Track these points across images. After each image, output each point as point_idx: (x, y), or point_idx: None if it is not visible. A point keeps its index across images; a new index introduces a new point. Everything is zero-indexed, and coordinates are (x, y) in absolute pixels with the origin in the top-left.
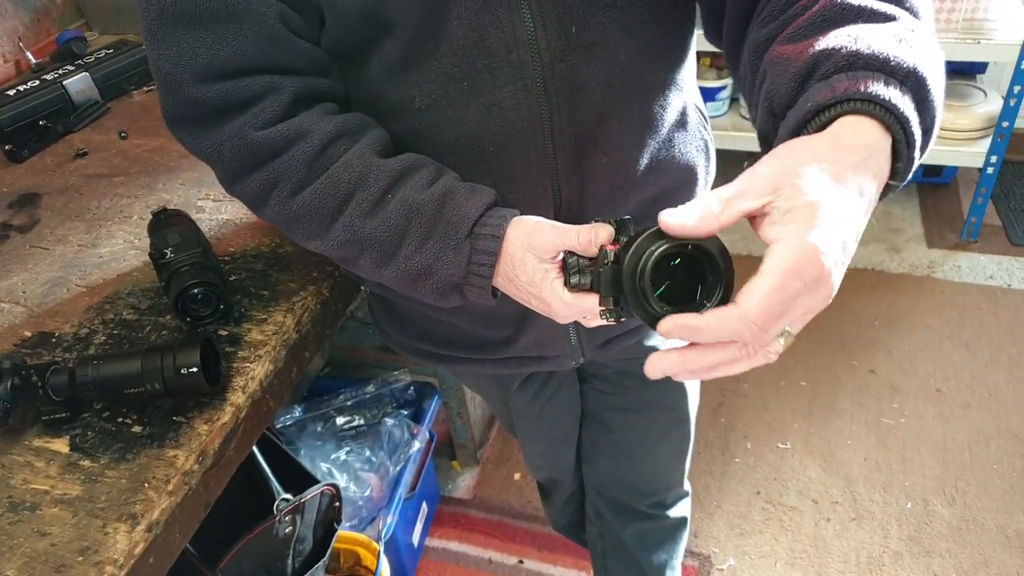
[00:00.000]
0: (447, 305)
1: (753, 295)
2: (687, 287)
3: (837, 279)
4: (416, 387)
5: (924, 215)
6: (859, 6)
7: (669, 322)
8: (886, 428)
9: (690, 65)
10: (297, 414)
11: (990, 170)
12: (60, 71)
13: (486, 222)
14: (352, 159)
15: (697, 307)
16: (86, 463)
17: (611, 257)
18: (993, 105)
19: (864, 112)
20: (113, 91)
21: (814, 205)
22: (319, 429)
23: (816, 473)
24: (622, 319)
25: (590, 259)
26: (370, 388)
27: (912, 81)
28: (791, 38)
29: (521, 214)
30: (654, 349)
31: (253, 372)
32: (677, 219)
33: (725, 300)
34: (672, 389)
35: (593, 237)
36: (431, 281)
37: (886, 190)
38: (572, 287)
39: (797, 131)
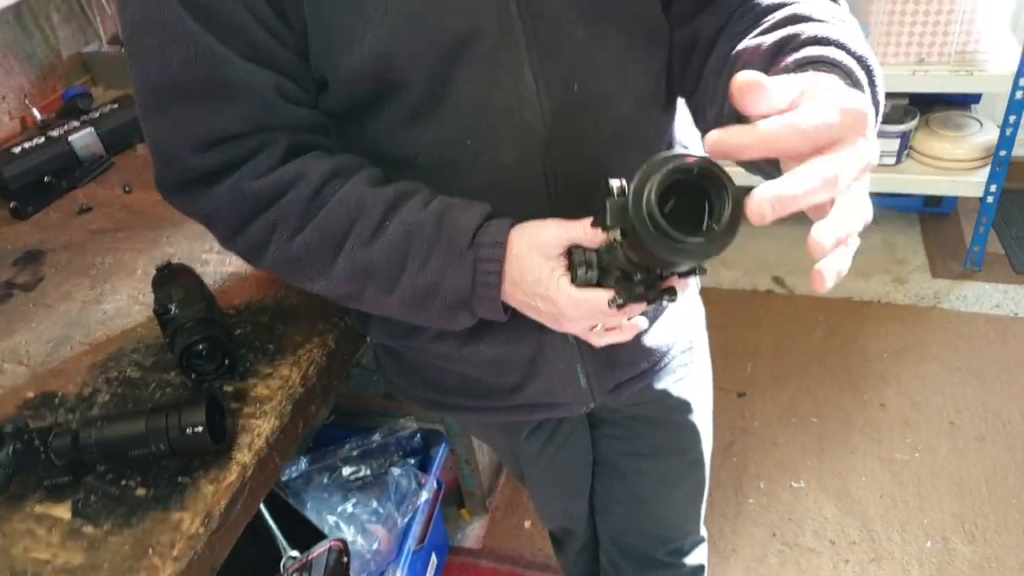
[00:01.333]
0: (458, 327)
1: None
2: (693, 216)
3: (872, 135)
4: (423, 434)
5: (927, 245)
6: (814, 16)
7: (718, 134)
8: (900, 463)
9: (680, 106)
10: (303, 466)
11: (990, 199)
12: (66, 127)
13: (486, 231)
14: (347, 193)
15: (708, 230)
16: (89, 529)
17: (616, 192)
18: (990, 135)
19: (833, 69)
20: (118, 145)
21: (839, 90)
22: (325, 481)
23: (832, 512)
24: (632, 303)
25: (596, 251)
26: (376, 437)
27: (864, 67)
28: (757, 35)
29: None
30: (665, 392)
31: (259, 429)
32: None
33: (734, 223)
34: (685, 432)
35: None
36: (439, 300)
37: None
38: (579, 282)
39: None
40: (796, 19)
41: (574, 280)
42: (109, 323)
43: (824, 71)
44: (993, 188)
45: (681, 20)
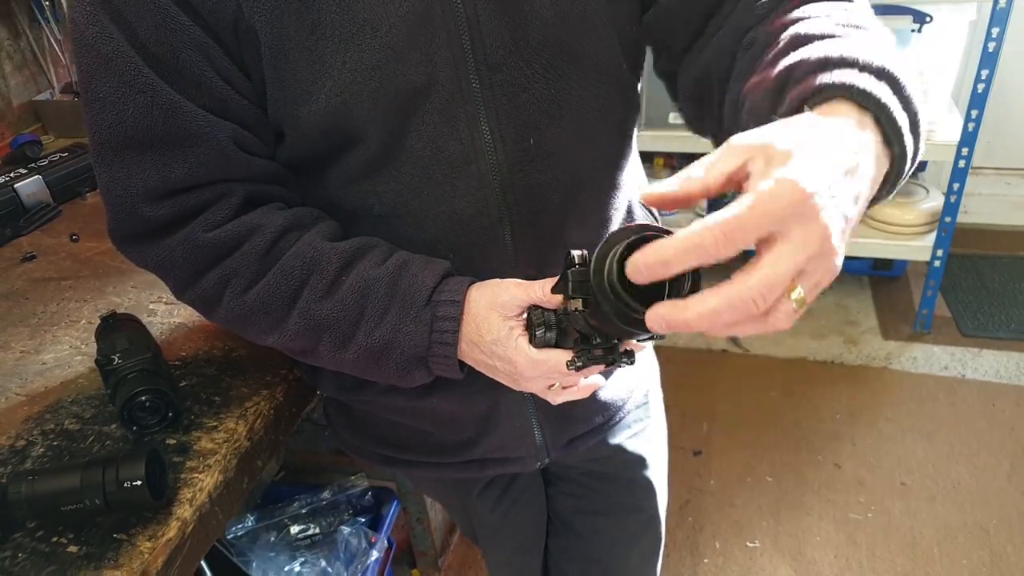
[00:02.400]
0: (413, 384)
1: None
2: (653, 288)
3: (830, 218)
4: (374, 492)
5: (878, 308)
6: (820, 34)
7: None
8: (854, 524)
9: (634, 162)
10: (250, 524)
11: (937, 263)
12: (12, 174)
13: (444, 288)
14: (303, 247)
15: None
16: None
17: (578, 261)
18: (935, 201)
19: (840, 96)
20: (66, 194)
21: (790, 152)
22: (272, 539)
23: (786, 573)
24: (591, 366)
25: (554, 312)
26: (326, 494)
27: (886, 75)
28: (762, 70)
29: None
30: (620, 447)
31: (202, 483)
32: (659, 189)
33: (695, 289)
34: (641, 489)
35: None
36: (394, 357)
37: (883, 188)
38: (538, 341)
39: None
40: (800, 41)
41: (532, 340)
42: (48, 374)
43: (835, 102)
44: (940, 253)
45: (679, 61)
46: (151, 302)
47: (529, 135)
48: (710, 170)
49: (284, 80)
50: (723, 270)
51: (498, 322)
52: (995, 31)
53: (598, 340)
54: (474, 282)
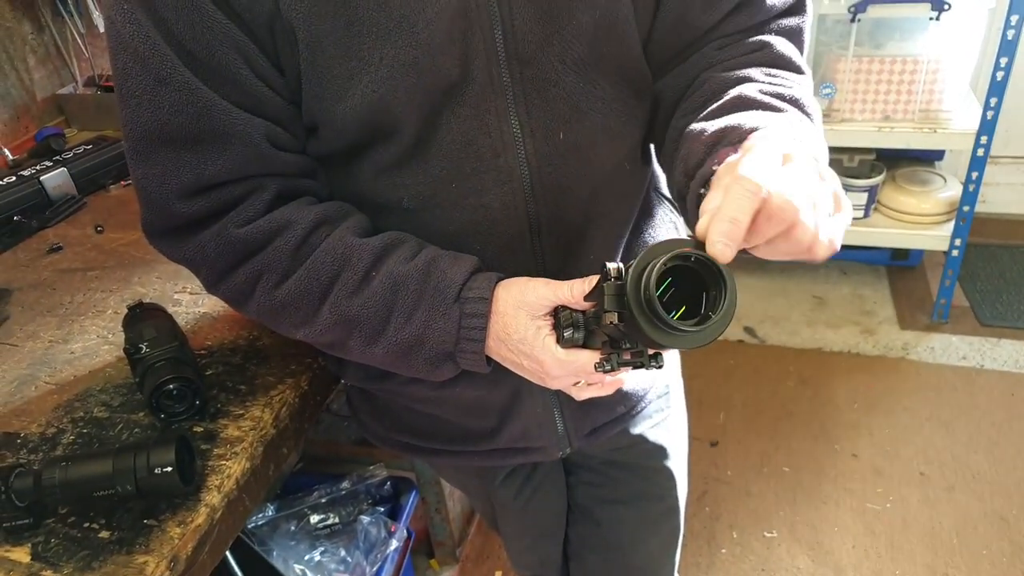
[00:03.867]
0: (441, 378)
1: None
2: (689, 301)
3: (802, 159)
4: (393, 482)
5: (895, 298)
6: (763, 101)
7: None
8: (872, 514)
9: (655, 164)
10: (270, 513)
11: (955, 253)
12: (37, 167)
13: (472, 285)
14: (334, 242)
15: (703, 319)
16: (48, 573)
17: (613, 275)
18: (953, 191)
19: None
20: (91, 186)
21: (751, 146)
22: (292, 528)
23: (804, 563)
24: (619, 368)
25: (583, 313)
26: (345, 484)
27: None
28: (705, 117)
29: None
30: (642, 437)
31: (229, 470)
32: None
33: (730, 312)
34: (661, 478)
35: (587, 288)
36: (423, 352)
37: None
38: (565, 342)
39: (704, 182)
40: (742, 104)
41: (560, 340)
42: (76, 363)
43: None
44: (958, 242)
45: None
46: (176, 292)
47: (559, 130)
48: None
49: (321, 76)
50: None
51: (526, 321)
52: (1014, 18)
53: (628, 344)
54: (502, 278)
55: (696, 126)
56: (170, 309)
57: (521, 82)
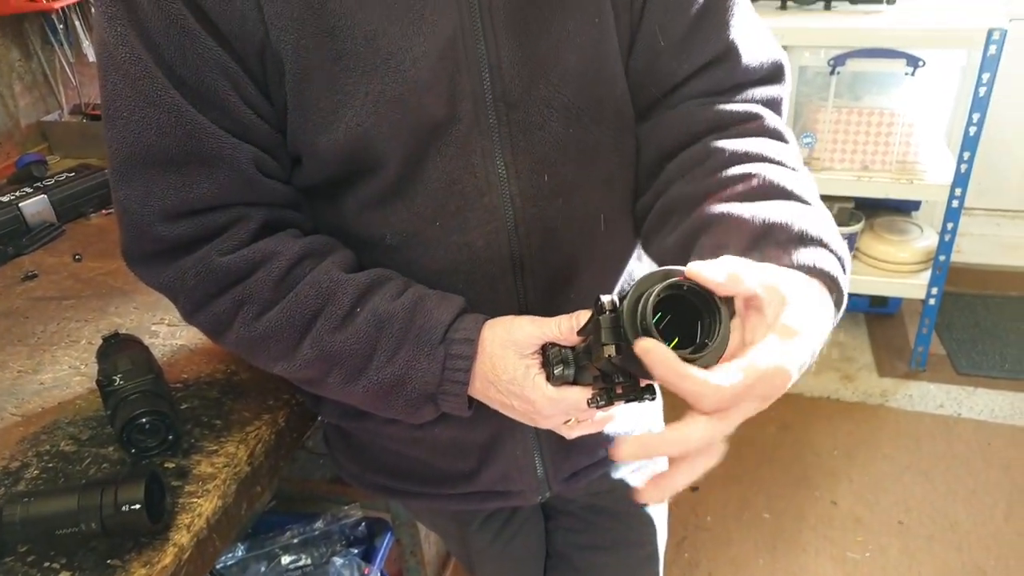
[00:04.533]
0: (419, 420)
1: (730, 369)
2: (684, 330)
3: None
4: (367, 523)
5: (873, 344)
6: (790, 190)
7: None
8: (852, 563)
9: None
10: (240, 553)
11: (932, 301)
12: (17, 193)
13: (459, 327)
14: (319, 276)
15: (699, 347)
16: None
17: (608, 307)
18: (930, 240)
19: (819, 278)
20: (71, 214)
21: (794, 332)
22: (263, 570)
23: None
24: (614, 402)
25: (571, 349)
26: (318, 524)
27: (839, 257)
28: (732, 199)
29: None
30: (622, 482)
31: (200, 508)
32: (708, 272)
33: (726, 338)
34: (641, 524)
35: (575, 324)
36: (404, 393)
37: None
38: (555, 379)
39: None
40: (772, 191)
41: (550, 378)
42: (45, 394)
43: (812, 278)
44: (935, 291)
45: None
46: (153, 323)
47: (543, 171)
48: (748, 278)
49: (306, 107)
50: None
51: (514, 360)
52: (985, 76)
53: (620, 378)
54: (488, 319)
55: (727, 210)
56: (147, 340)
57: (508, 124)
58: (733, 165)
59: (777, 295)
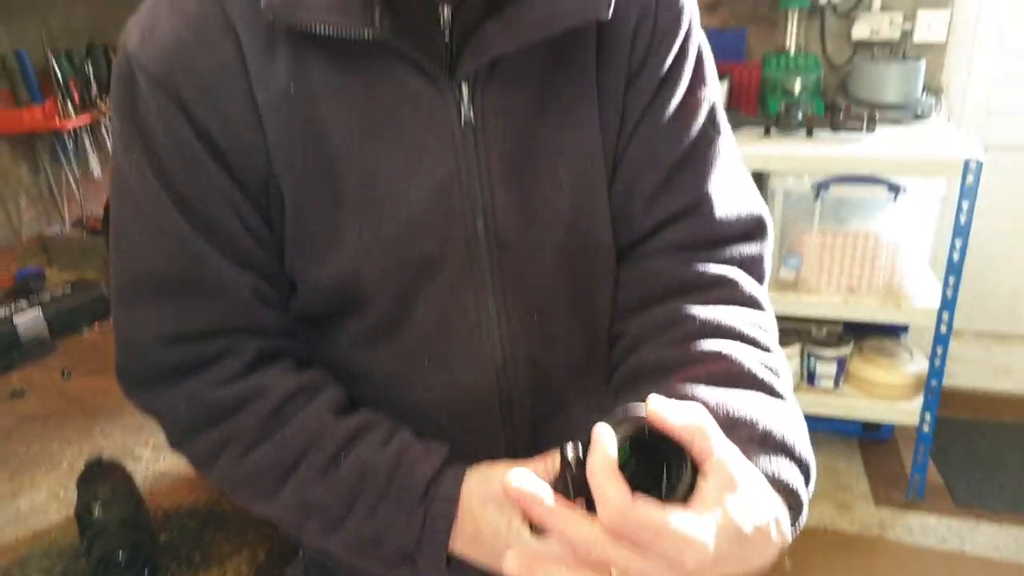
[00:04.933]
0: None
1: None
2: (651, 472)
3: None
4: None
5: (868, 472)
6: (760, 379)
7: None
8: None
9: None
10: None
11: (926, 428)
12: (12, 307)
13: (442, 481)
14: (307, 418)
15: (670, 490)
16: None
17: (573, 462)
18: (920, 364)
19: (778, 491)
20: (65, 328)
21: (737, 530)
22: None
23: None
24: None
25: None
26: None
27: (804, 467)
28: (698, 380)
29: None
30: None
31: None
32: (672, 418)
33: (694, 475)
34: None
35: (550, 466)
36: (381, 550)
37: None
38: (538, 530)
39: None
40: (738, 378)
41: (532, 529)
42: (21, 522)
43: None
44: (928, 417)
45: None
46: (138, 446)
47: (534, 312)
48: (705, 443)
49: (302, 239)
50: None
51: (495, 514)
52: (965, 204)
53: None
54: (468, 470)
55: (688, 391)
56: (130, 464)
57: (499, 264)
58: (703, 337)
59: (725, 473)
